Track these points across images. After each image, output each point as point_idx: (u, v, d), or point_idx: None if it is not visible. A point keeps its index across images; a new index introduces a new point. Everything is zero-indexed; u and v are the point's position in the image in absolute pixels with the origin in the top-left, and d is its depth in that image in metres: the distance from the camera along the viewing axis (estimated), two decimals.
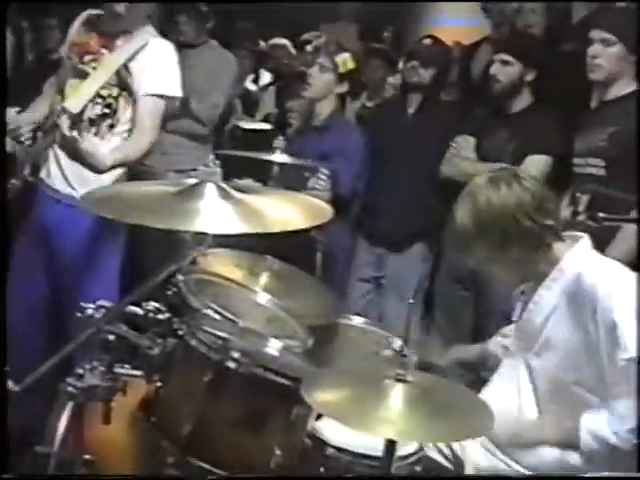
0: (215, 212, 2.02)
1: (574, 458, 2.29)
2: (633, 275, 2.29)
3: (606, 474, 2.25)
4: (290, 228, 2.05)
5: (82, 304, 2.16)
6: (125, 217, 2.24)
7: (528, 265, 2.37)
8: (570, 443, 2.26)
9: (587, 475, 2.27)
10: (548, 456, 2.34)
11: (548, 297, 2.36)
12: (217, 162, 2.12)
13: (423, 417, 1.84)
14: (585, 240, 2.40)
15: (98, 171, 2.97)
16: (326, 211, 2.22)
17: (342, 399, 1.91)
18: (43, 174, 3.27)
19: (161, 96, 3.19)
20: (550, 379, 2.37)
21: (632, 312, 2.18)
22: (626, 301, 2.20)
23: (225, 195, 2.05)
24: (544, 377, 2.39)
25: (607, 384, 2.23)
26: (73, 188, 3.20)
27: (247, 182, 3.98)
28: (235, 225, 2.01)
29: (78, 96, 3.13)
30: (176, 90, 3.26)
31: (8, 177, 3.15)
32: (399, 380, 1.88)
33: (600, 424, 2.21)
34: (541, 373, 2.39)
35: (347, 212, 4.30)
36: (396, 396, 1.85)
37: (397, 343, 2.07)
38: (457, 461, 2.59)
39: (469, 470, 2.52)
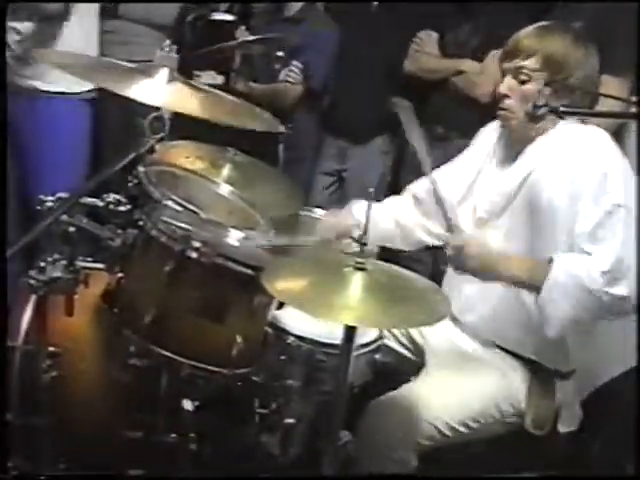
0: (164, 92, 2.09)
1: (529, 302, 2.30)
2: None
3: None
4: (234, 123, 2.18)
5: (42, 197, 2.14)
6: (87, 78, 2.64)
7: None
8: (535, 279, 2.24)
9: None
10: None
11: (525, 164, 2.37)
12: (173, 47, 2.07)
13: (381, 304, 1.86)
14: None
15: None
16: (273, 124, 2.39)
17: (302, 287, 1.93)
18: None
19: None
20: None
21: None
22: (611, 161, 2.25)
23: (174, 80, 2.12)
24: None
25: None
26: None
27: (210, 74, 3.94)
28: (181, 105, 2.09)
29: None
30: None
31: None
32: (358, 268, 1.90)
33: (574, 260, 2.19)
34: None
35: (318, 106, 4.26)
36: (355, 284, 1.87)
37: (356, 232, 2.07)
38: (417, 348, 2.65)
39: (429, 356, 2.58)
